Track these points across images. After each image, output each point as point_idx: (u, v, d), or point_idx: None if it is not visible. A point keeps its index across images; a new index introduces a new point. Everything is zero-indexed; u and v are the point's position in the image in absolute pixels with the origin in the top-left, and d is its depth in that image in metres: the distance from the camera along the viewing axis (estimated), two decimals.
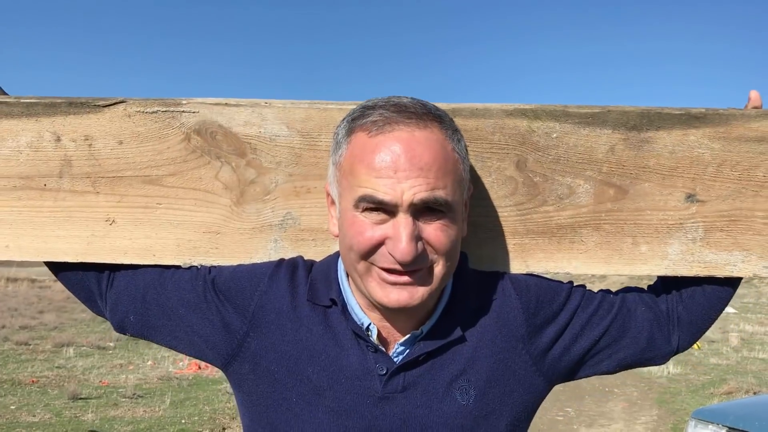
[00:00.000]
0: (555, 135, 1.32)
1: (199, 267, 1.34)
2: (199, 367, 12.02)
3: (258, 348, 1.23)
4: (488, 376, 1.21)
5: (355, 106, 1.21)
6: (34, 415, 8.05)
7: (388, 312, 1.18)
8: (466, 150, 1.21)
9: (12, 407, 8.43)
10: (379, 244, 1.11)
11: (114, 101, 1.33)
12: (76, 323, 19.21)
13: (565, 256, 1.35)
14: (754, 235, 1.34)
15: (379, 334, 1.20)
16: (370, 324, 1.20)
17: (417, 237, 1.09)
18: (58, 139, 1.33)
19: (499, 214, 1.35)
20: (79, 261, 1.35)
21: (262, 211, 1.34)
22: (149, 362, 12.56)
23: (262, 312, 1.24)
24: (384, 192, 1.08)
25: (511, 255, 1.35)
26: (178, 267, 1.36)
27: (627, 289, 1.39)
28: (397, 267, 1.10)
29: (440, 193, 1.09)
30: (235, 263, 1.34)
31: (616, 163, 1.33)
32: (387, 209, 1.10)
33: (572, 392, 11.52)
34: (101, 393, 9.51)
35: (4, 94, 1.37)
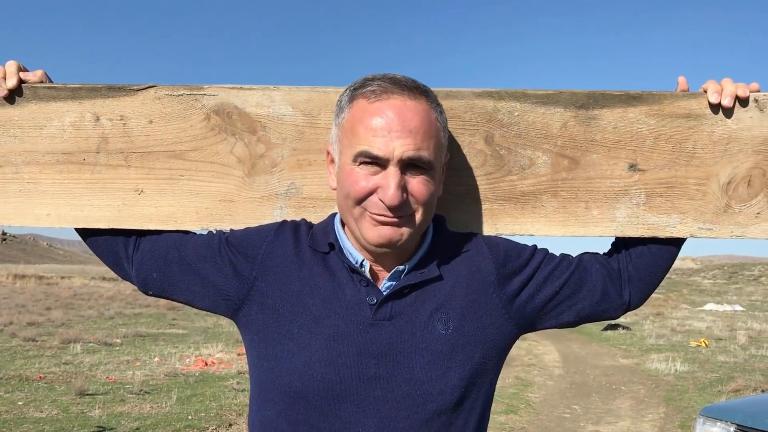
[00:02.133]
0: (516, 113, 1.52)
1: (214, 231, 1.52)
2: (206, 364, 12.05)
3: (266, 289, 1.42)
4: (463, 311, 1.40)
5: (357, 81, 1.40)
6: (41, 411, 8.07)
7: (378, 250, 1.37)
8: (446, 122, 1.42)
9: (19, 403, 8.46)
10: (371, 191, 1.32)
11: (146, 86, 1.51)
12: (83, 320, 19.29)
13: (528, 220, 1.55)
14: (689, 200, 1.53)
15: (370, 270, 1.40)
16: (363, 260, 1.40)
17: (403, 187, 1.31)
18: (98, 119, 1.52)
19: (472, 183, 1.54)
20: (110, 227, 1.53)
21: (270, 181, 1.54)
22: (156, 358, 12.59)
23: (270, 257, 1.43)
24: (378, 148, 1.29)
25: (483, 219, 1.55)
26: (194, 233, 1.55)
27: (584, 253, 1.58)
28: (386, 212, 1.31)
29: (424, 153, 1.31)
30: (245, 227, 1.53)
31: (569, 137, 1.52)
32: (380, 163, 1.31)
33: (579, 390, 11.51)
34: (108, 389, 9.53)
35: (51, 82, 1.54)
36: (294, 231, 1.47)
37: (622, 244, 1.57)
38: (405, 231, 1.34)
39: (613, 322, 24.45)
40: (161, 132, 1.52)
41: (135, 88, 1.51)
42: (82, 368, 11.21)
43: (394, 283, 1.40)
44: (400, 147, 1.29)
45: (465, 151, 1.53)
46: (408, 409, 1.35)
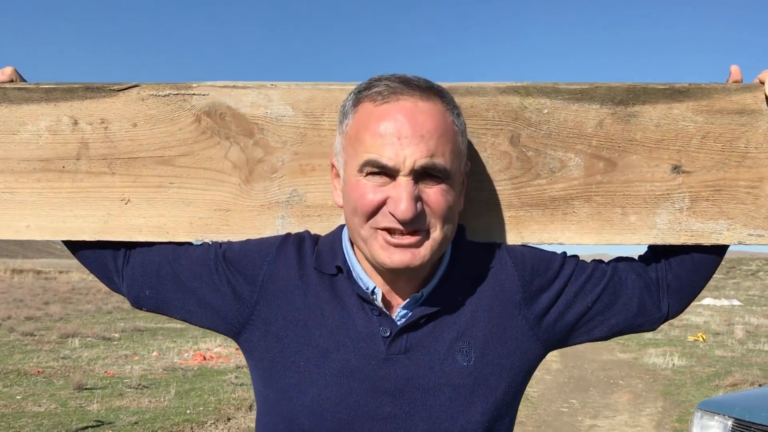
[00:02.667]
0: (546, 111, 1.38)
1: (210, 243, 1.40)
2: (204, 358, 12.06)
3: (268, 315, 1.29)
4: (486, 338, 1.27)
5: (364, 82, 1.26)
6: (40, 405, 8.08)
7: (391, 275, 1.24)
8: (465, 126, 1.27)
9: (18, 397, 8.46)
10: (381, 204, 1.17)
11: (128, 85, 1.38)
12: (81, 314, 19.29)
13: (558, 227, 1.41)
14: (738, 204, 1.39)
15: (382, 298, 1.26)
16: (375, 287, 1.25)
17: (416, 197, 1.16)
18: (76, 123, 1.39)
19: (495, 187, 1.40)
20: (96, 239, 1.41)
21: (270, 188, 1.40)
22: (154, 353, 12.60)
23: (271, 280, 1.30)
24: (387, 157, 1.15)
25: (506, 227, 1.41)
26: (190, 244, 1.42)
27: (618, 259, 1.44)
28: (398, 226, 1.16)
29: (439, 160, 1.16)
30: (244, 239, 1.40)
31: (605, 136, 1.38)
32: (389, 173, 1.16)
33: (577, 384, 11.53)
34: (106, 383, 9.54)
35: (23, 81, 1.43)
36: (298, 248, 1.33)
37: (660, 250, 1.42)
38: (423, 252, 1.19)
39: None
40: (147, 136, 1.39)
41: (115, 88, 1.38)
42: (81, 363, 11.22)
43: (409, 312, 1.26)
44: (411, 154, 1.14)
45: (487, 153, 1.39)
46: None
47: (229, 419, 7.86)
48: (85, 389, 9.02)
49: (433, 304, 1.26)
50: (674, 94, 1.37)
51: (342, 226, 1.34)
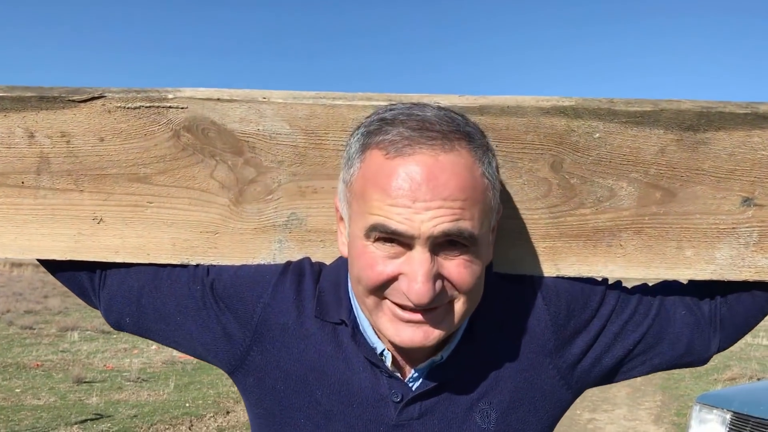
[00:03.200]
0: (597, 135, 1.19)
1: (197, 266, 1.26)
2: None
3: (262, 363, 1.16)
4: (512, 396, 1.13)
5: (371, 105, 1.12)
6: (39, 399, 8.09)
7: (400, 348, 1.09)
8: (498, 171, 1.09)
9: (17, 390, 8.47)
10: (392, 279, 0.99)
11: (90, 95, 1.20)
12: (80, 308, 19.27)
13: (600, 260, 1.25)
14: None
15: (393, 359, 1.11)
16: (384, 350, 1.10)
17: (436, 275, 0.97)
18: (32, 136, 1.22)
19: (530, 216, 1.24)
20: (66, 259, 1.28)
21: (264, 210, 1.25)
22: (153, 347, 12.60)
23: (266, 326, 1.16)
24: (399, 221, 0.95)
25: (541, 258, 1.25)
26: (174, 266, 1.27)
27: (665, 284, 1.29)
28: (412, 306, 0.99)
29: (466, 225, 0.96)
30: (236, 263, 1.26)
31: (666, 165, 1.20)
32: (402, 241, 0.97)
33: None
34: (106, 377, 9.56)
35: None
36: (296, 290, 1.17)
37: (717, 283, 1.26)
38: (438, 332, 1.02)
39: None
40: (117, 152, 1.22)
41: (76, 98, 1.20)
42: (80, 356, 11.23)
43: (424, 375, 1.11)
44: (430, 220, 0.94)
45: (523, 179, 1.21)
46: None
47: (228, 412, 7.88)
48: (84, 382, 9.03)
49: (453, 367, 1.12)
50: (757, 120, 1.17)
51: (345, 263, 1.16)
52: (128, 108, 1.20)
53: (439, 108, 1.03)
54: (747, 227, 1.23)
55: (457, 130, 0.99)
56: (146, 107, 1.20)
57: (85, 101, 1.20)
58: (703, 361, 1.28)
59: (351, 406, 1.11)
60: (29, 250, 1.28)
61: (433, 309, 1.00)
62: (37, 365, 10.19)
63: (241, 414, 7.85)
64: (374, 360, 1.11)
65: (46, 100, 1.20)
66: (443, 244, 0.97)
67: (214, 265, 1.25)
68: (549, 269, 1.25)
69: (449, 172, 0.96)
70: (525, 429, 1.14)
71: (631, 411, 9.14)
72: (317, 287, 1.16)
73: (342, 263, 1.17)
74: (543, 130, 1.18)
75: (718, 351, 1.28)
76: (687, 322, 1.24)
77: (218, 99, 1.19)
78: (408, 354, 1.10)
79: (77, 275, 1.28)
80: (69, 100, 1.20)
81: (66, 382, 9.05)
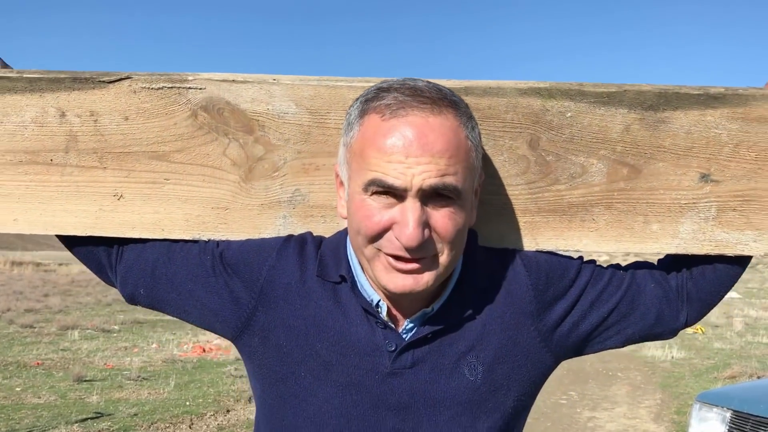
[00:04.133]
0: (569, 114, 1.31)
1: (207, 241, 1.35)
2: (204, 350, 12.07)
3: (267, 322, 1.25)
4: (496, 352, 1.23)
5: (369, 85, 1.20)
6: (39, 397, 8.10)
7: (394, 296, 1.19)
8: (480, 138, 1.20)
9: (17, 389, 8.48)
10: (387, 228, 1.11)
11: (119, 77, 1.32)
12: (80, 306, 19.30)
13: (575, 234, 1.36)
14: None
15: (388, 311, 1.21)
16: (379, 301, 1.21)
17: (424, 223, 1.10)
18: (63, 115, 1.32)
19: (510, 192, 1.34)
20: (87, 234, 1.36)
21: (271, 187, 1.35)
22: (154, 345, 12.62)
23: (271, 286, 1.26)
24: (394, 176, 1.08)
25: (521, 233, 1.36)
26: (186, 241, 1.36)
27: (637, 264, 1.39)
28: (404, 254, 1.11)
29: (450, 180, 1.09)
30: (244, 238, 1.35)
31: (631, 142, 1.32)
32: (396, 193, 1.09)
33: (576, 376, 11.54)
34: (106, 375, 9.56)
35: (7, 67, 1.37)
36: (299, 253, 1.28)
37: (681, 258, 1.37)
38: (428, 277, 1.14)
39: None
40: (140, 130, 1.33)
41: (105, 79, 1.31)
42: (80, 354, 11.23)
43: (416, 326, 1.22)
44: (420, 174, 1.07)
45: (504, 156, 1.32)
46: None
47: (228, 411, 7.88)
48: (85, 381, 9.03)
49: (442, 320, 1.22)
50: (708, 99, 1.30)
51: (344, 232, 1.28)
52: (152, 89, 1.31)
53: (429, 81, 1.17)
54: (706, 202, 1.33)
55: (445, 97, 1.13)
56: (168, 88, 1.31)
57: (113, 82, 1.31)
58: (672, 332, 1.37)
59: (349, 356, 1.20)
60: (53, 226, 1.36)
61: (421, 259, 1.12)
62: (38, 364, 10.20)
63: (241, 412, 7.85)
64: (371, 311, 1.21)
65: (78, 81, 1.31)
66: (432, 195, 1.09)
67: (223, 240, 1.35)
68: (529, 243, 1.36)
69: (437, 132, 1.09)
70: (509, 385, 1.24)
71: (631, 409, 9.15)
72: (318, 252, 1.27)
73: (341, 233, 1.29)
74: (521, 110, 1.30)
75: (687, 324, 1.38)
76: (656, 294, 1.33)
77: (233, 81, 1.31)
78: (401, 304, 1.21)
79: (95, 251, 1.38)
80: (99, 81, 1.31)
81: (66, 380, 9.06)
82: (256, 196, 1.35)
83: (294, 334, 1.23)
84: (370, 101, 1.14)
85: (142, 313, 18.20)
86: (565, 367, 12.50)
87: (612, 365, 12.72)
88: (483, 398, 1.22)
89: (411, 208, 1.08)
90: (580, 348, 1.33)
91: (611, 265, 1.38)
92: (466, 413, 1.21)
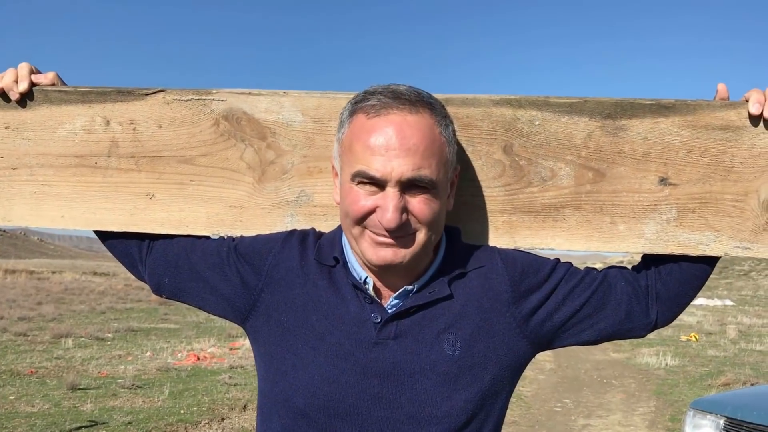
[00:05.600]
0: (537, 122, 1.45)
1: (224, 237, 1.52)
2: (198, 358, 12.04)
3: (271, 302, 1.41)
4: (473, 331, 1.35)
5: (360, 93, 1.36)
6: (33, 406, 8.05)
7: (378, 270, 1.34)
8: (454, 134, 1.35)
9: (11, 398, 8.43)
10: (371, 211, 1.28)
11: (155, 90, 1.51)
12: (74, 314, 19.23)
13: (549, 234, 1.48)
14: (724, 217, 1.44)
15: (375, 289, 1.36)
16: (366, 277, 1.36)
17: (402, 208, 1.26)
18: (108, 123, 1.52)
19: (489, 194, 1.48)
20: (123, 230, 1.55)
21: (280, 188, 1.52)
22: (148, 353, 12.57)
23: (276, 269, 1.42)
24: (375, 169, 1.25)
25: (499, 231, 1.49)
26: (207, 237, 1.54)
27: (611, 267, 1.50)
28: (384, 233, 1.28)
29: (425, 172, 1.26)
30: (255, 234, 1.52)
31: (594, 148, 1.45)
32: (378, 183, 1.26)
33: (570, 384, 11.56)
34: (100, 383, 9.51)
35: (64, 84, 1.56)
36: (301, 242, 1.44)
37: (651, 259, 1.48)
38: (406, 252, 1.30)
39: None
40: (171, 137, 1.51)
41: (144, 92, 1.51)
42: (74, 363, 11.18)
43: (400, 302, 1.36)
44: (399, 167, 1.24)
45: (482, 160, 1.47)
46: (413, 430, 1.31)
47: (223, 419, 7.86)
48: (79, 389, 8.99)
49: (424, 297, 1.35)
50: (660, 109, 1.43)
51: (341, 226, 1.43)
52: (182, 100, 1.51)
53: (410, 86, 1.33)
54: (666, 204, 1.45)
55: (422, 100, 1.30)
56: (195, 99, 1.51)
57: (150, 94, 1.52)
58: (643, 328, 1.47)
59: (339, 328, 1.35)
60: (93, 223, 1.55)
61: (401, 237, 1.28)
62: (31, 372, 10.15)
63: (236, 420, 7.83)
64: (359, 286, 1.36)
65: (122, 93, 1.52)
66: (409, 185, 1.26)
67: (238, 236, 1.52)
68: (507, 241, 1.49)
69: (414, 128, 1.26)
70: (485, 363, 1.35)
71: (625, 417, 9.16)
72: (318, 242, 1.44)
73: (338, 227, 1.44)
74: (495, 118, 1.46)
75: (658, 323, 1.48)
76: (626, 292, 1.44)
77: (249, 93, 1.52)
78: (387, 280, 1.36)
79: (129, 246, 1.57)
80: (139, 94, 1.52)
81: (60, 389, 9.01)
82: (268, 196, 1.52)
83: (293, 310, 1.38)
84: (358, 103, 1.31)
85: (136, 321, 18.16)
86: (560, 374, 12.52)
87: (606, 373, 12.74)
88: (460, 371, 1.33)
89: (390, 195, 1.26)
90: (555, 338, 1.43)
91: (586, 267, 1.48)
92: (444, 384, 1.32)
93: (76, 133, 1.52)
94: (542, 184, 1.46)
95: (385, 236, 1.28)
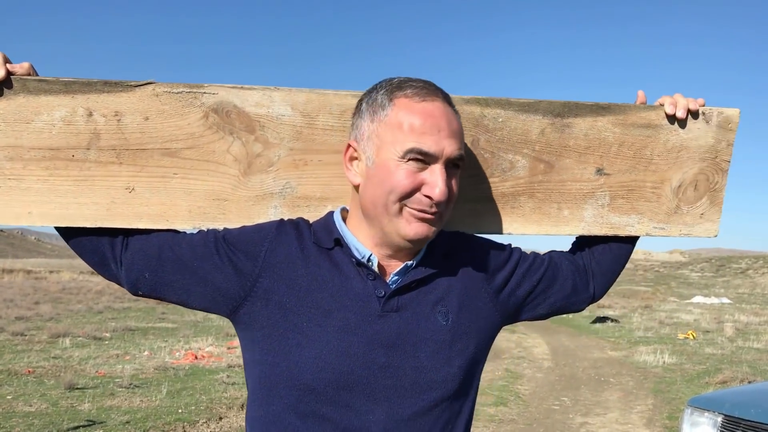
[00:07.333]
0: (501, 119, 1.62)
1: (207, 230, 1.52)
2: (196, 357, 12.03)
3: (270, 285, 1.43)
4: (460, 303, 1.49)
5: (352, 94, 1.53)
6: (31, 405, 8.03)
7: (406, 246, 1.43)
8: None
9: (8, 397, 8.42)
10: (417, 188, 1.37)
11: (144, 82, 1.49)
12: (71, 314, 19.21)
13: (507, 219, 1.66)
14: (646, 202, 1.69)
15: (379, 266, 1.45)
16: (371, 255, 1.44)
17: (448, 184, 1.38)
18: (90, 114, 1.47)
19: (460, 183, 1.59)
20: (97, 226, 1.49)
21: (265, 180, 1.55)
22: (145, 352, 12.56)
23: (273, 254, 1.45)
24: (429, 146, 1.36)
25: (466, 218, 1.64)
26: (184, 232, 1.53)
27: (552, 251, 1.73)
28: (429, 209, 1.38)
29: (462, 153, 1.41)
30: (239, 226, 1.53)
31: (545, 143, 1.64)
32: (428, 160, 1.37)
33: (568, 382, 11.57)
34: (98, 383, 9.50)
35: (37, 74, 1.48)
36: (295, 229, 1.49)
37: (584, 242, 1.73)
38: (436, 228, 1.42)
39: (601, 314, 24.53)
40: (157, 129, 1.49)
41: (132, 84, 1.48)
42: (72, 362, 11.16)
43: (399, 278, 1.46)
44: (449, 146, 1.37)
45: None
46: (415, 396, 1.41)
47: (221, 418, 7.85)
48: (76, 389, 8.97)
49: (421, 273, 1.47)
50: (599, 109, 1.64)
51: (330, 213, 1.53)
52: (172, 93, 1.50)
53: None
54: (601, 192, 1.67)
55: (447, 95, 1.45)
56: (186, 92, 1.50)
57: (140, 86, 1.49)
58: (585, 301, 1.70)
59: (346, 304, 1.41)
60: (65, 218, 1.49)
61: (438, 212, 1.39)
62: (29, 372, 10.13)
63: (234, 419, 7.83)
64: (363, 263, 1.44)
65: (109, 85, 1.48)
66: (449, 165, 1.39)
67: (221, 229, 1.53)
68: (472, 227, 1.65)
69: (452, 116, 1.41)
70: (470, 333, 1.49)
71: (623, 414, 9.17)
72: (311, 228, 1.50)
73: (326, 215, 1.53)
74: (465, 115, 1.59)
75: (596, 295, 1.73)
76: (570, 269, 1.68)
77: (241, 88, 1.53)
78: (396, 256, 1.46)
79: (99, 244, 1.51)
80: (127, 85, 1.48)
81: (58, 388, 8.99)
82: (252, 188, 1.55)
83: (295, 290, 1.42)
84: (396, 90, 1.41)
85: (133, 321, 18.14)
86: (558, 373, 12.54)
87: (604, 371, 12.76)
88: (454, 339, 1.46)
89: (440, 171, 1.37)
90: (518, 312, 1.62)
91: (533, 251, 1.70)
92: (441, 351, 1.44)
93: (53, 125, 1.45)
94: (502, 174, 1.63)
95: (425, 212, 1.38)
